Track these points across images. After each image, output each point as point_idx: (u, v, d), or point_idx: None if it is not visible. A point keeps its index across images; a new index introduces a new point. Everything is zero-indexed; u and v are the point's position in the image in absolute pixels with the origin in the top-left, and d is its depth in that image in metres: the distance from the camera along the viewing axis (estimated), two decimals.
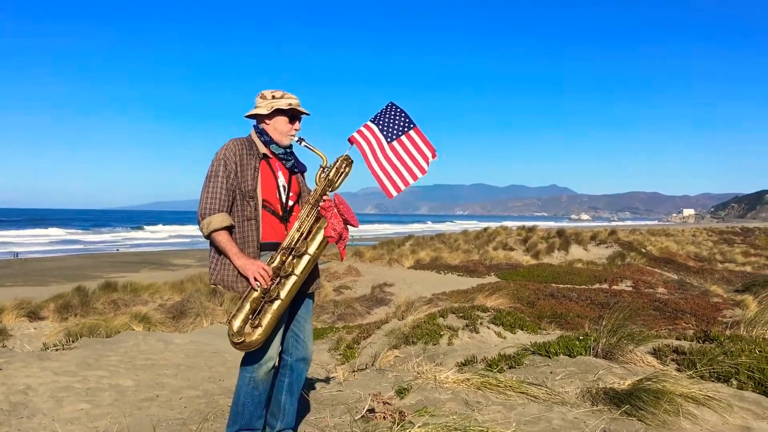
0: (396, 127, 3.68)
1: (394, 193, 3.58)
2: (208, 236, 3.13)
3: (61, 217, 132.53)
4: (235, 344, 3.03)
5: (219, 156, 3.20)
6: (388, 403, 3.91)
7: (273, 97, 3.31)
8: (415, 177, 3.63)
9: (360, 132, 3.63)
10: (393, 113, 3.70)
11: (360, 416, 3.84)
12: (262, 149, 3.30)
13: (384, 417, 3.70)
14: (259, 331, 3.02)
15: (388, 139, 3.64)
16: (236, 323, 3.02)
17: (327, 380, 5.44)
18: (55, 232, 70.39)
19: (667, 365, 5.04)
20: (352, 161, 3.41)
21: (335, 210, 3.17)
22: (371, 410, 3.86)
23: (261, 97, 3.33)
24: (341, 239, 3.21)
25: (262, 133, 3.33)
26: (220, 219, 3.10)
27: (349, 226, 3.26)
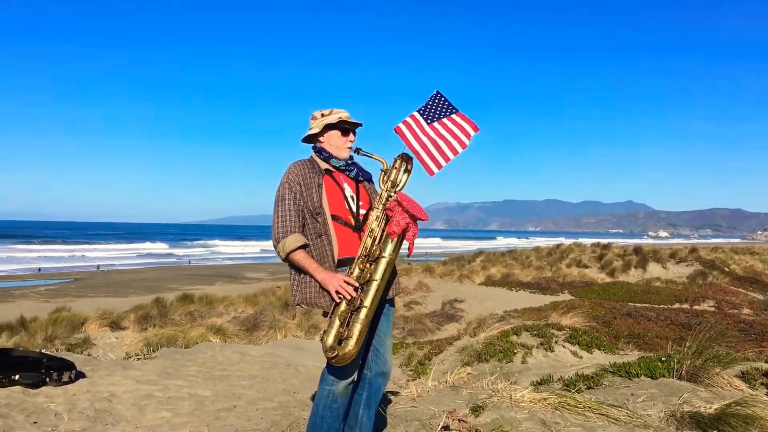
0: (438, 111, 3.68)
1: (435, 169, 3.52)
2: (285, 259, 3.21)
3: (138, 231, 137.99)
4: (330, 359, 3.08)
5: (283, 180, 3.30)
6: (463, 421, 3.85)
7: (322, 115, 3.40)
8: (455, 152, 3.56)
9: (404, 122, 3.65)
10: (437, 101, 3.71)
11: None
12: (323, 165, 3.38)
13: None
14: (351, 342, 3.05)
15: (428, 121, 3.63)
16: (329, 339, 3.07)
17: (400, 396, 5.42)
18: (134, 246, 73.15)
19: (757, 389, 4.80)
20: (411, 158, 3.44)
21: (399, 208, 3.18)
22: (446, 427, 3.81)
23: (312, 119, 3.44)
24: (407, 234, 3.21)
25: (320, 151, 3.41)
26: (294, 239, 3.17)
27: (418, 220, 3.25)
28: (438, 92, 3.74)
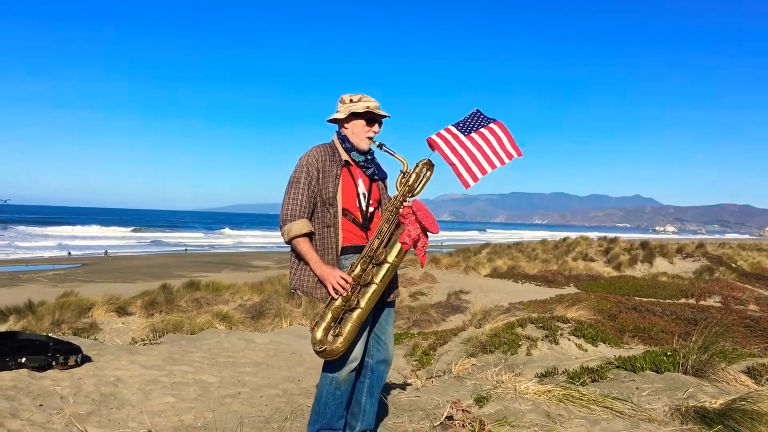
0: (475, 124, 3.54)
1: (471, 182, 3.39)
2: (288, 242, 3.19)
3: (145, 218, 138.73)
4: (317, 352, 3.08)
5: (302, 162, 3.25)
6: (467, 411, 3.86)
7: (351, 101, 3.32)
8: (493, 165, 3.43)
9: (439, 134, 3.52)
10: (477, 118, 3.58)
11: (439, 423, 3.81)
12: (344, 156, 3.32)
13: (463, 425, 3.65)
14: (340, 339, 3.05)
15: (466, 133, 3.48)
16: (318, 332, 3.06)
17: (404, 386, 5.43)
18: (141, 233, 73.48)
19: (763, 385, 4.79)
20: (433, 165, 3.35)
21: (413, 216, 3.13)
22: (450, 417, 3.82)
23: (340, 102, 3.36)
24: (417, 246, 3.16)
25: (344, 139, 3.35)
26: (301, 225, 3.14)
27: (428, 233, 3.21)
28: (478, 110, 3.62)
